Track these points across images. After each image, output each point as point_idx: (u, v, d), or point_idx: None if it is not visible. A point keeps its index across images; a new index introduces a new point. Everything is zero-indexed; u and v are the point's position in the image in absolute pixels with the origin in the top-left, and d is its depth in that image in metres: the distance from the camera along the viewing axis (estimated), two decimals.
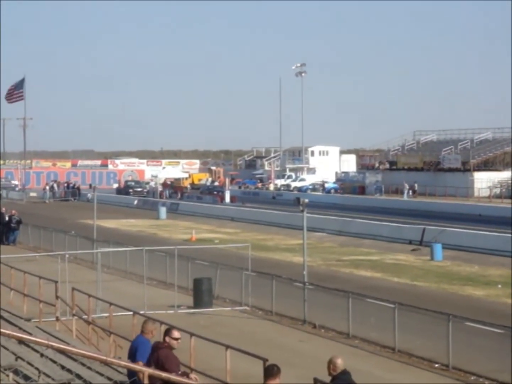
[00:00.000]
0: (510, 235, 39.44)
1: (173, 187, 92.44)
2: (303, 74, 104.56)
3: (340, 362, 10.97)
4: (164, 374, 8.24)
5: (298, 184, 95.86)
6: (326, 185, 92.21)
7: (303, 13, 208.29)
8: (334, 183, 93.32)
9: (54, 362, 12.30)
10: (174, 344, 11.64)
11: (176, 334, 11.72)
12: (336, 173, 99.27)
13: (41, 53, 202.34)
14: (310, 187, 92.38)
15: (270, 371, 10.16)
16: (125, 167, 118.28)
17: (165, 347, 11.45)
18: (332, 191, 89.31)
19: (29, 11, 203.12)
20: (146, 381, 8.21)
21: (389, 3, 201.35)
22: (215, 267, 28.03)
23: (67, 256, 26.44)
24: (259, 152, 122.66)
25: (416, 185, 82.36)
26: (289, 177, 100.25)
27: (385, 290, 27.22)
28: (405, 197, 76.91)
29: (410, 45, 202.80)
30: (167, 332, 11.76)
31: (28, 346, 13.05)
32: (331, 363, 10.94)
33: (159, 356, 11.29)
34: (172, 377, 8.52)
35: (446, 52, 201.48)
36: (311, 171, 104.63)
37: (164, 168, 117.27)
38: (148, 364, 11.16)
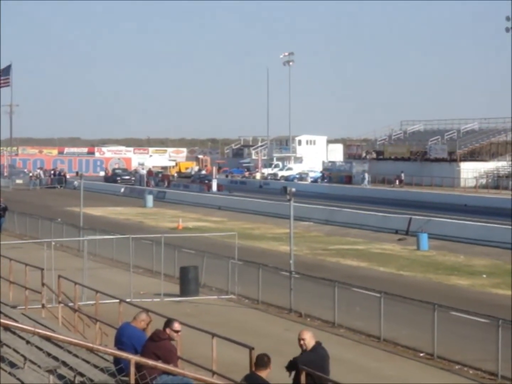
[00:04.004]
0: (495, 225, 39.66)
1: (162, 175, 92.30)
2: (290, 63, 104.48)
3: (310, 335, 11.06)
4: (150, 362, 8.25)
5: (285, 173, 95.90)
6: (312, 175, 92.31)
7: (291, 2, 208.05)
8: (321, 172, 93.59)
9: (40, 349, 12.28)
10: (174, 337, 11.53)
11: (177, 326, 11.55)
12: (323, 162, 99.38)
13: (28, 39, 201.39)
14: (297, 176, 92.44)
15: (261, 360, 10.16)
16: (112, 155, 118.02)
17: (166, 339, 11.33)
18: (319, 180, 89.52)
19: None
20: (132, 368, 8.22)
21: None
22: (202, 256, 28.03)
23: (53, 243, 26.38)
24: (246, 141, 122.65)
25: (402, 174, 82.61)
26: (276, 166, 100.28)
27: (371, 280, 27.31)
28: (366, 185, 79.93)
29: (397, 35, 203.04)
30: (168, 324, 11.57)
31: (14, 333, 13.02)
32: (304, 336, 11.02)
33: (160, 347, 11.14)
34: (170, 367, 8.52)
35: (433, 42, 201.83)
36: (298, 160, 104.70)
37: (151, 156, 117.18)
38: (142, 352, 11.10)
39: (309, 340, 11.04)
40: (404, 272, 30.69)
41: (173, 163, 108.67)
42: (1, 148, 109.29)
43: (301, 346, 11.05)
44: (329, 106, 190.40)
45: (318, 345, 11.07)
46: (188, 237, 35.02)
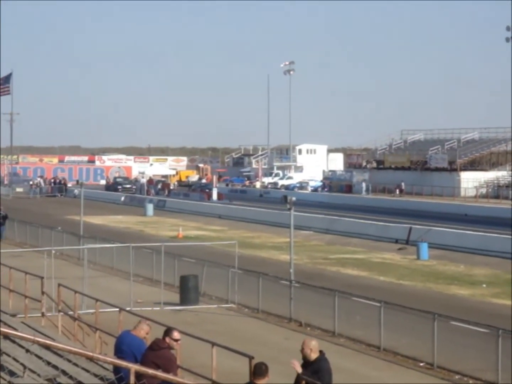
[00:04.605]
0: (495, 235, 39.65)
1: (162, 184, 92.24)
2: (291, 72, 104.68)
3: (316, 344, 10.94)
4: (150, 371, 8.25)
5: (285, 182, 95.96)
6: (313, 184, 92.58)
7: (292, 11, 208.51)
8: (321, 181, 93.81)
9: (40, 358, 12.26)
10: (174, 345, 11.47)
11: (177, 335, 11.49)
12: (324, 171, 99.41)
13: (28, 48, 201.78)
14: (297, 185, 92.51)
15: (259, 369, 10.14)
16: (112, 163, 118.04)
17: (166, 348, 11.26)
18: (319, 189, 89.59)
19: (16, 6, 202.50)
20: (132, 377, 8.20)
21: (376, 3, 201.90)
22: (202, 265, 28.03)
23: (53, 252, 26.39)
24: (247, 150, 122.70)
25: (403, 184, 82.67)
26: (277, 175, 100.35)
27: (371, 289, 27.29)
28: (363, 194, 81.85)
29: (397, 45, 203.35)
30: (168, 333, 11.49)
31: (13, 341, 13.01)
32: (309, 346, 10.87)
33: (159, 356, 11.08)
34: (170, 376, 8.49)
35: (434, 51, 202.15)
36: (299, 169, 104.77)
37: (151, 164, 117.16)
38: (141, 361, 11.05)
39: (314, 350, 10.86)
40: (404, 281, 30.67)
41: (173, 172, 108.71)
42: (2, 157, 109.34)
43: (303, 355, 10.91)
44: (330, 116, 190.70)
45: (321, 355, 10.90)
46: (188, 246, 35.02)
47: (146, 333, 12.04)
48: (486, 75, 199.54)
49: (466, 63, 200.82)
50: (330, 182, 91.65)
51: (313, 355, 10.81)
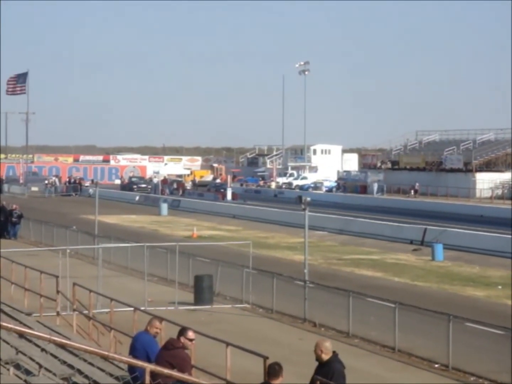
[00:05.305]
0: (510, 236, 39.45)
1: (177, 183, 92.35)
2: (306, 73, 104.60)
3: (329, 345, 10.89)
4: (166, 371, 8.25)
5: (300, 182, 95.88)
6: (327, 184, 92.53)
7: (307, 11, 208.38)
8: (336, 181, 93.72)
9: (55, 357, 12.31)
10: (189, 345, 11.49)
11: (191, 335, 11.50)
12: (338, 172, 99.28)
13: (44, 47, 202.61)
14: (312, 185, 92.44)
15: (273, 370, 10.14)
16: (127, 163, 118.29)
17: (180, 348, 11.29)
18: (334, 189, 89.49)
19: (31, 5, 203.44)
20: (148, 377, 8.21)
21: (392, 2, 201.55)
22: (216, 264, 28.05)
23: (68, 251, 26.44)
24: (261, 150, 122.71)
25: (417, 184, 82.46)
26: (291, 175, 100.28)
27: (385, 290, 27.24)
28: (374, 195, 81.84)
29: (413, 45, 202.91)
30: (182, 333, 11.50)
31: (29, 340, 13.07)
32: (320, 347, 10.83)
33: (174, 356, 11.10)
34: (185, 376, 8.49)
35: (449, 52, 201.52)
36: (313, 169, 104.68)
37: (166, 164, 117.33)
38: (156, 361, 11.08)
39: (325, 351, 10.83)
40: (419, 282, 30.59)
41: (188, 172, 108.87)
42: (17, 156, 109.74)
43: (317, 355, 10.88)
44: (345, 116, 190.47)
45: (334, 356, 10.87)
46: (203, 245, 35.06)
47: (156, 328, 12.10)
48: (503, 76, 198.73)
49: (482, 64, 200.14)
50: (345, 182, 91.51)
51: (325, 356, 10.77)
